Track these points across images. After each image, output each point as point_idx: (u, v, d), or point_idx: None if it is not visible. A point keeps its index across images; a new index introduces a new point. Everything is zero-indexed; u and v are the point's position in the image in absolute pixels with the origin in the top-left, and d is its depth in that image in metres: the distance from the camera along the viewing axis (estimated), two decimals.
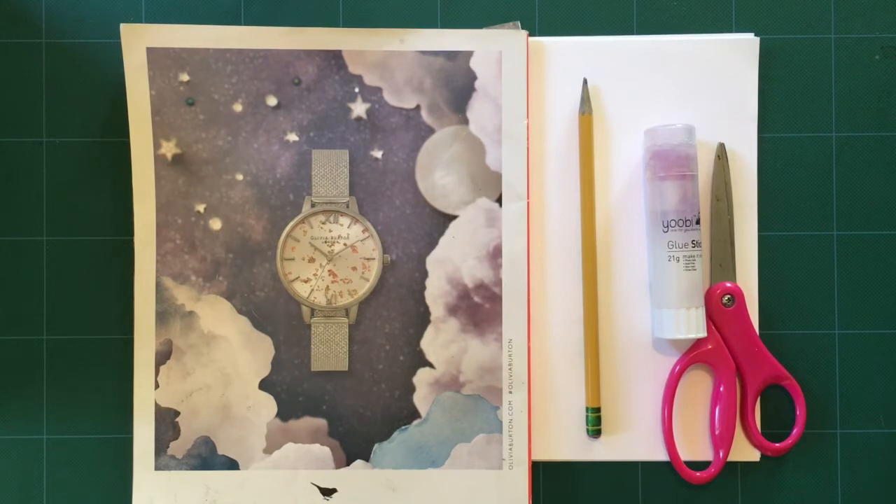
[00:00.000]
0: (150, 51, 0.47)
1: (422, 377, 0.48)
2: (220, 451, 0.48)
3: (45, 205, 0.49)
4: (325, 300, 0.48)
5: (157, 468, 0.47)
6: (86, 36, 0.49)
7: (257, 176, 0.48)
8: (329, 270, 0.48)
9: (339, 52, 0.48)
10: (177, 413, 0.48)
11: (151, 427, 0.47)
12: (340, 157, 0.48)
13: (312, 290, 0.48)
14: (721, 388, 0.47)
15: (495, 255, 0.48)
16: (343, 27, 0.49)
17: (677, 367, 0.47)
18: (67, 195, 0.49)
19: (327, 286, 0.48)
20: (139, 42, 0.47)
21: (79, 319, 0.48)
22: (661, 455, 0.48)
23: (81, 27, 0.49)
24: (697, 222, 0.46)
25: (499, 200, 0.48)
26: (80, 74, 0.49)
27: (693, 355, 0.47)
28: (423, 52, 0.48)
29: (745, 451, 0.48)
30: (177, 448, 0.48)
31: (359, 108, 0.48)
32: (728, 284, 0.47)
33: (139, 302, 0.47)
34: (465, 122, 0.48)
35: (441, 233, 0.48)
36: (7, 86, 0.49)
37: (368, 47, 0.48)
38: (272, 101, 0.48)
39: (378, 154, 0.48)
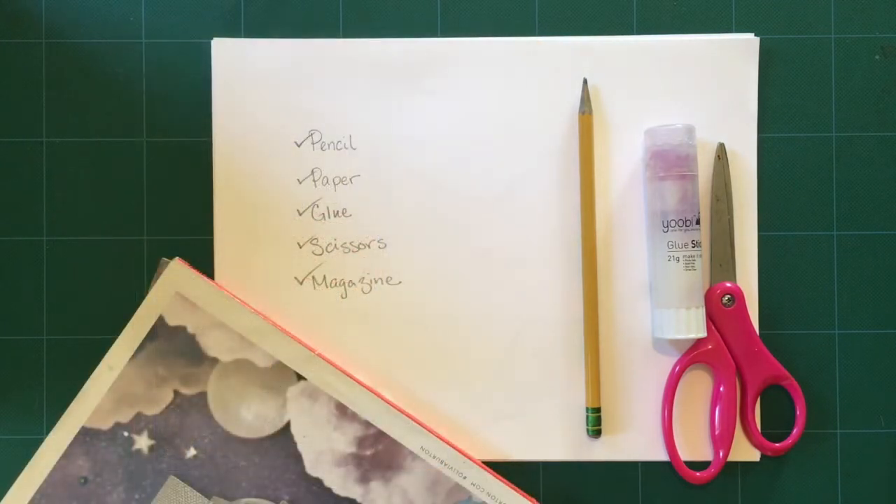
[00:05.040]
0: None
1: None
2: None
3: (45, 205, 0.48)
4: None
5: None
6: (86, 36, 0.49)
7: None
8: None
9: None
10: None
11: None
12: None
13: None
14: (721, 388, 0.47)
15: None
16: (343, 28, 0.49)
17: (677, 367, 0.47)
18: (67, 195, 0.48)
19: None
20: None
21: (79, 319, 0.48)
22: (661, 455, 0.48)
23: (81, 27, 0.49)
24: (697, 222, 0.46)
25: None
26: (80, 74, 0.49)
27: (693, 355, 0.47)
28: None
29: (745, 451, 0.48)
30: None
31: None
32: (728, 284, 0.47)
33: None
34: None
35: None
36: (7, 86, 0.49)
37: None
38: None
39: None
